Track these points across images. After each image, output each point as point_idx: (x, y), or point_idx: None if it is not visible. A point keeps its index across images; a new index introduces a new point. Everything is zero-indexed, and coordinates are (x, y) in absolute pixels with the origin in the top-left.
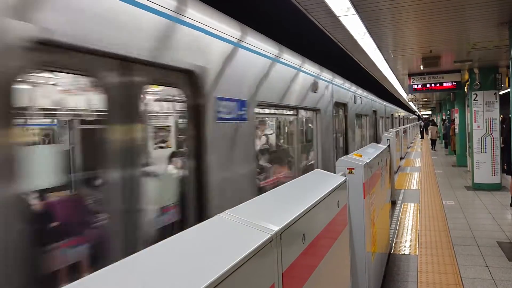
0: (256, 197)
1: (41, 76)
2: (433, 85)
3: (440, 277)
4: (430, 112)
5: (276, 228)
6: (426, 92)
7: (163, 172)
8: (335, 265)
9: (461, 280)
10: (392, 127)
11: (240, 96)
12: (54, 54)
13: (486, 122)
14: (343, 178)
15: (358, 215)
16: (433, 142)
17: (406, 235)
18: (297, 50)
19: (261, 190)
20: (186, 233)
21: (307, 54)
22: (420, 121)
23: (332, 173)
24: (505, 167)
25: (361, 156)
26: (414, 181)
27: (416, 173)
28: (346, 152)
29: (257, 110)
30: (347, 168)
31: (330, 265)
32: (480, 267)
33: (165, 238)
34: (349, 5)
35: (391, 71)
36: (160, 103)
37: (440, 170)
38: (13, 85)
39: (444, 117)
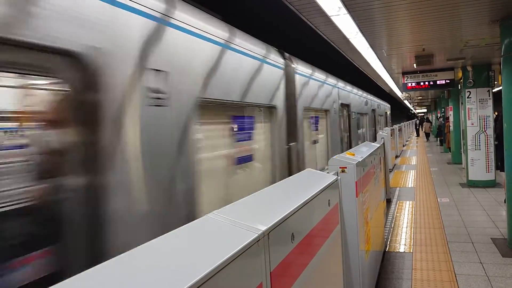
0: (245, 197)
1: None
2: (426, 83)
3: (434, 274)
4: (425, 110)
5: (263, 228)
6: (420, 90)
7: None
8: (327, 263)
9: (455, 277)
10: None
11: None
12: None
13: (479, 119)
14: (334, 177)
15: (351, 214)
16: (427, 135)
17: (401, 233)
18: (289, 51)
19: None
20: (173, 233)
21: (301, 55)
22: (416, 119)
23: (323, 172)
24: (499, 164)
25: (353, 155)
26: (409, 179)
27: (411, 171)
28: None
29: None
30: (340, 167)
31: (321, 264)
32: (474, 264)
33: None
34: (340, 4)
35: (385, 70)
36: None
37: (435, 168)
38: None
39: (438, 115)
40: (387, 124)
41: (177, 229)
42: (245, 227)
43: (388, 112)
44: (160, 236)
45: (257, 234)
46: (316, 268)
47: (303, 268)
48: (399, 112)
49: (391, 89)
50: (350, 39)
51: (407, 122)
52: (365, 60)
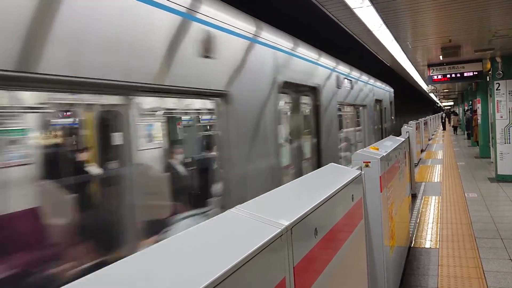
0: (268, 192)
1: None
2: (453, 75)
3: (461, 270)
4: (452, 103)
5: (286, 223)
6: (448, 83)
7: None
8: (351, 258)
9: (483, 273)
10: None
11: None
12: None
13: (509, 112)
14: (358, 172)
15: (375, 209)
16: (455, 128)
17: (427, 228)
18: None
19: None
20: (198, 228)
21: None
22: (442, 112)
23: (347, 167)
24: None
25: (377, 149)
26: (435, 174)
27: (437, 165)
28: None
29: None
30: (363, 162)
31: (345, 259)
32: (504, 260)
33: None
34: None
35: (410, 63)
36: None
37: (462, 162)
38: None
39: (466, 108)
40: (383, 128)
41: (201, 223)
42: (268, 222)
43: (388, 103)
44: (184, 231)
45: (280, 229)
46: (340, 263)
47: (327, 263)
48: (425, 105)
49: (400, 65)
50: (373, 32)
51: (433, 115)
52: (389, 52)
